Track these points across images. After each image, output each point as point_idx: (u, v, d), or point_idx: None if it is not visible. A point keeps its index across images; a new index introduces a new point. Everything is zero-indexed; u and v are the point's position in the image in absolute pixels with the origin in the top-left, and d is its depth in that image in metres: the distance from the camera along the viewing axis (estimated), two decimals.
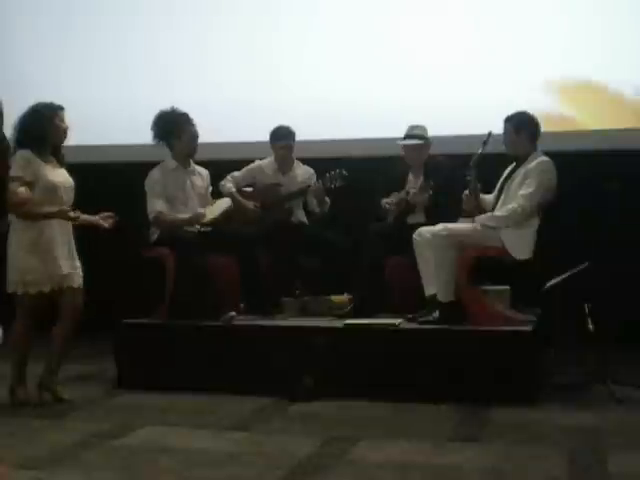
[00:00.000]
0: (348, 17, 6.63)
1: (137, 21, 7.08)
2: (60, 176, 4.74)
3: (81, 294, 4.75)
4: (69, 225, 4.76)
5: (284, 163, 5.88)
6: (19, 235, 4.63)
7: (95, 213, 4.88)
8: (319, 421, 4.32)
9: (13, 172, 4.41)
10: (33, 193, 4.60)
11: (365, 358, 4.79)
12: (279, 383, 4.77)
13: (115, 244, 6.15)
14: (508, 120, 5.02)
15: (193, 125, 5.42)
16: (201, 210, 5.40)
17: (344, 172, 5.62)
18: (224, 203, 5.60)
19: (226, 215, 5.52)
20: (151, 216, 5.35)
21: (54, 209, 4.65)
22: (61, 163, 4.79)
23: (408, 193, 5.45)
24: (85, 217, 4.82)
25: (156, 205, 5.33)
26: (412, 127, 5.57)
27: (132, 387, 5.03)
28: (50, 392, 4.75)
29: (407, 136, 5.56)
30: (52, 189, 4.66)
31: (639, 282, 6.03)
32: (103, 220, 4.85)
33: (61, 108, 4.77)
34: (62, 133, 4.76)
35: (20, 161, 4.57)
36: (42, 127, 4.67)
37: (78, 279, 4.75)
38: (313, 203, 5.79)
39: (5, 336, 3.81)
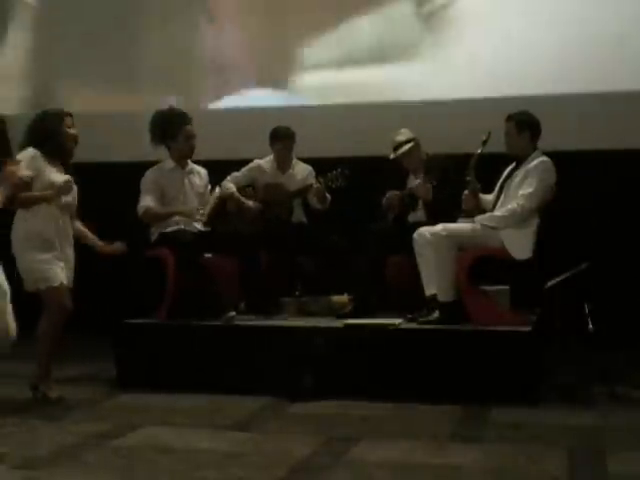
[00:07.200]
0: None
1: None
2: (62, 178, 4.70)
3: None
4: (63, 223, 4.72)
5: (283, 162, 5.88)
6: (22, 233, 4.61)
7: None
8: (319, 421, 4.32)
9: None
10: (32, 189, 4.56)
11: (365, 358, 4.79)
12: (279, 383, 4.77)
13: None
14: (510, 119, 4.99)
15: (190, 125, 5.39)
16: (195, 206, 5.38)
17: (346, 171, 5.58)
18: (212, 198, 5.56)
19: (218, 203, 5.48)
20: (140, 212, 5.31)
21: (46, 193, 4.61)
22: (67, 171, 4.76)
23: (411, 189, 5.44)
24: (90, 236, 4.89)
25: (145, 201, 5.30)
26: (394, 136, 5.47)
27: (132, 387, 5.03)
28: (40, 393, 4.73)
29: (394, 147, 5.46)
30: (50, 188, 4.63)
31: (639, 282, 6.03)
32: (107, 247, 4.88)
33: (69, 114, 4.75)
34: (71, 139, 4.74)
35: (23, 156, 4.57)
36: (47, 130, 4.66)
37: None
38: (314, 201, 5.78)
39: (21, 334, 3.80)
